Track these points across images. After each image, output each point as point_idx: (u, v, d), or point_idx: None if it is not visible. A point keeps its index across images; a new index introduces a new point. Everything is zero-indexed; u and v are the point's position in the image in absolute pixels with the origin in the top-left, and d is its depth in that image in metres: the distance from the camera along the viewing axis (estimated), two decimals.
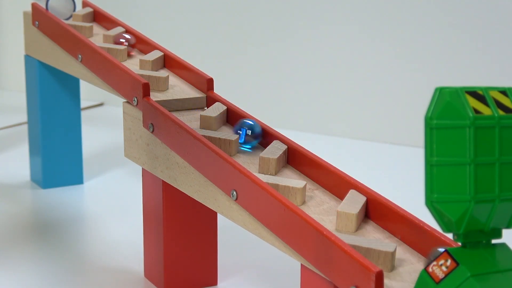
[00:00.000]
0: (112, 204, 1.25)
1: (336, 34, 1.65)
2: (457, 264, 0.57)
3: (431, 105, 0.57)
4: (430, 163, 0.57)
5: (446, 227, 0.57)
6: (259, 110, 1.59)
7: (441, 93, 0.57)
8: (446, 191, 0.56)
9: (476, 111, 0.56)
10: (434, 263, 0.58)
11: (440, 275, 0.57)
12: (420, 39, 1.57)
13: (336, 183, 0.80)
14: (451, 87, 0.57)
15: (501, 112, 0.57)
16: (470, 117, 0.56)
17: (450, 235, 0.61)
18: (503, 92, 0.59)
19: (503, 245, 0.59)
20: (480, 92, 0.57)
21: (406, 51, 1.59)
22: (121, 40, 1.12)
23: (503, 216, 0.58)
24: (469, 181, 0.56)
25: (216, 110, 0.94)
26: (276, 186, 0.78)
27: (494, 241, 0.59)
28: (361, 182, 0.79)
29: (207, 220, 0.96)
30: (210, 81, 0.99)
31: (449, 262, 0.57)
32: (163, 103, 0.95)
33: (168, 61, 1.07)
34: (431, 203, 0.57)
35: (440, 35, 1.55)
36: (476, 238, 0.58)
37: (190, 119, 0.94)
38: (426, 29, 1.56)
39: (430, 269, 0.58)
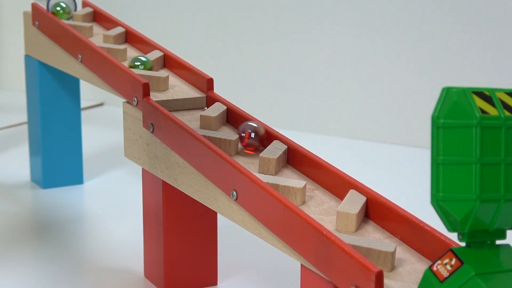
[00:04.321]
0: (112, 204, 1.25)
1: (336, 34, 1.65)
2: (462, 263, 0.57)
3: (438, 104, 0.57)
4: (436, 162, 0.57)
5: (451, 226, 0.58)
6: (259, 110, 1.59)
7: (448, 93, 0.57)
8: (451, 190, 0.57)
9: (483, 111, 0.57)
10: (439, 262, 0.58)
11: (445, 273, 0.57)
12: (420, 39, 1.57)
13: (336, 183, 0.80)
14: (458, 87, 0.57)
15: (507, 113, 0.57)
16: (477, 117, 0.56)
17: (453, 235, 0.61)
18: (509, 93, 0.59)
19: (507, 246, 0.59)
20: (487, 93, 0.58)
21: (406, 51, 1.59)
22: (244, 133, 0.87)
23: (508, 216, 0.58)
24: (475, 181, 0.56)
25: (216, 110, 0.94)
26: (276, 186, 0.78)
27: (498, 242, 0.59)
28: (361, 182, 0.79)
29: (207, 220, 0.96)
30: (210, 81, 0.99)
31: (453, 261, 0.57)
32: (163, 103, 0.95)
33: (168, 61, 1.07)
34: (437, 201, 0.57)
35: (441, 35, 1.55)
36: (480, 238, 0.58)
37: (190, 119, 0.94)
38: (426, 29, 1.56)
39: (434, 268, 0.58)
